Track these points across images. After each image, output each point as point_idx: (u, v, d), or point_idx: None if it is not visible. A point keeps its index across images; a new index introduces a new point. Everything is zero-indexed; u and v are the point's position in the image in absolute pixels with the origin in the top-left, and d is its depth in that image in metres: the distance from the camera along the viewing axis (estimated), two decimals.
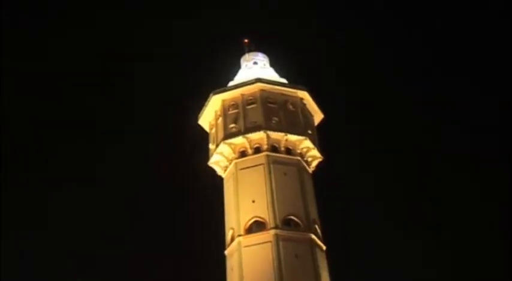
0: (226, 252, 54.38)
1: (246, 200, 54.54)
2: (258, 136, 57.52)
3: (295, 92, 62.14)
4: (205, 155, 62.30)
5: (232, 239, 53.60)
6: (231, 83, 64.58)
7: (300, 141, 58.53)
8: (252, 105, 59.91)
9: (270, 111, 59.18)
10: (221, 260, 54.72)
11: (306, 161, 59.17)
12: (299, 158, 57.86)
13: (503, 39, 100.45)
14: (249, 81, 61.89)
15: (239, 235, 52.58)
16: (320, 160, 60.98)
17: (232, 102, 61.12)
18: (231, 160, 58.17)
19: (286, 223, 52.69)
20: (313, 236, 52.83)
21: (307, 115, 62.59)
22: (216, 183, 60.86)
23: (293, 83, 63.86)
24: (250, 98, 60.58)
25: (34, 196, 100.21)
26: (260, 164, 56.19)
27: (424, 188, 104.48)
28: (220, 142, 58.75)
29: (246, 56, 69.21)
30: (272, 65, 68.93)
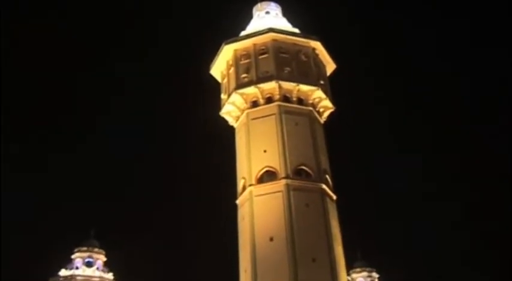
0: (237, 201, 54.89)
1: (258, 150, 54.72)
2: (270, 86, 57.25)
3: (308, 42, 61.40)
4: (217, 105, 62.27)
5: (244, 189, 54.04)
6: (243, 33, 63.92)
7: (312, 91, 58.19)
8: (264, 55, 59.35)
9: (282, 61, 58.66)
10: (232, 209, 55.40)
11: (318, 112, 58.97)
12: (311, 108, 57.67)
13: None
14: (261, 31, 61.14)
15: (250, 185, 53.00)
16: (332, 110, 60.76)
17: (244, 52, 60.55)
18: (243, 110, 58.12)
19: (297, 173, 52.96)
20: (324, 186, 53.16)
21: (320, 65, 62.04)
22: (227, 133, 61.12)
23: (305, 33, 63.06)
24: (262, 48, 59.98)
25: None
26: (272, 114, 56.11)
27: (440, 136, 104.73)
28: (232, 91, 58.57)
29: (259, 5, 68.19)
30: (284, 14, 67.95)
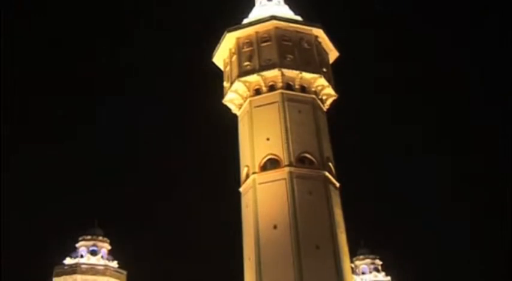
0: (241, 189, 55.02)
1: (261, 137, 54.73)
2: (273, 74, 57.13)
3: (310, 30, 61.21)
4: (220, 93, 62.21)
5: (247, 177, 54.12)
6: (245, 21, 63.70)
7: (315, 79, 58.09)
8: (267, 43, 59.18)
9: (284, 49, 58.48)
10: (236, 197, 55.50)
11: (321, 99, 58.93)
12: (314, 96, 57.55)
13: None
14: (264, 18, 60.93)
15: (254, 172, 53.06)
16: (335, 97, 60.71)
17: (247, 40, 60.39)
18: (246, 98, 58.08)
19: (301, 161, 52.99)
20: (327, 174, 53.19)
21: (322, 53, 61.84)
22: (230, 121, 61.13)
23: (308, 20, 62.85)
24: (265, 35, 59.82)
25: None
26: (275, 102, 56.05)
27: (442, 131, 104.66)
28: (235, 79, 58.48)
29: None
30: (287, 2, 67.62)
